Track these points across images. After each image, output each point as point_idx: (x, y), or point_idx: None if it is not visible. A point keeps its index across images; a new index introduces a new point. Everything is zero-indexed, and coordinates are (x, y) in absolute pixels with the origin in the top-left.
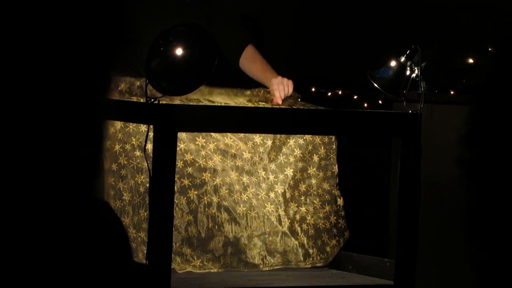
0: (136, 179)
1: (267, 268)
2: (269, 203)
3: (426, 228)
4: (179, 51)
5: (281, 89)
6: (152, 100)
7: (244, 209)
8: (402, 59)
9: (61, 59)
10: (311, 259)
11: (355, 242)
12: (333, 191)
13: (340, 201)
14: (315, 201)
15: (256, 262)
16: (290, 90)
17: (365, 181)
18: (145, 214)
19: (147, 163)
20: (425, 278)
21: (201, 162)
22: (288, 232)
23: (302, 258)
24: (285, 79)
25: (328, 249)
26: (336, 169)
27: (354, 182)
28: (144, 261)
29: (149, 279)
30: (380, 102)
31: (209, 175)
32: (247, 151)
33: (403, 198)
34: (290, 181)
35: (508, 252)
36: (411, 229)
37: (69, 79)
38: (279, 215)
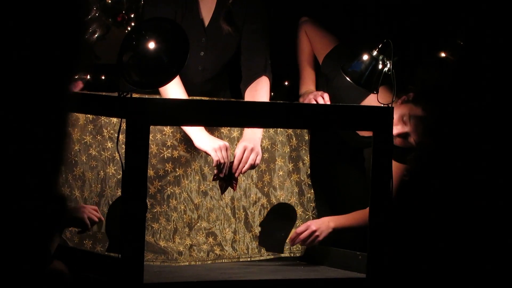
0: (107, 170)
1: (222, 261)
2: (226, 194)
3: (398, 221)
4: (151, 45)
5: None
6: (124, 93)
7: (200, 200)
8: (375, 53)
9: (21, 54)
10: (266, 251)
11: (328, 236)
12: (302, 183)
13: (311, 193)
14: (279, 193)
15: (211, 254)
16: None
17: (341, 173)
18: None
19: (119, 156)
20: (397, 271)
21: (165, 152)
22: (242, 224)
23: (256, 250)
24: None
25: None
26: (308, 160)
27: (327, 174)
28: (112, 252)
29: (122, 273)
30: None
31: (172, 166)
32: None
33: (375, 191)
34: (253, 173)
35: (478, 245)
36: (383, 222)
37: (27, 74)
38: (234, 207)
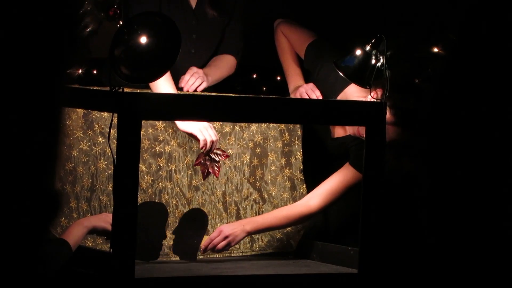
0: (98, 165)
1: (213, 256)
2: (218, 189)
3: (390, 217)
4: (143, 39)
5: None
6: (116, 88)
7: (192, 194)
8: (368, 48)
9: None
10: (257, 246)
11: (320, 230)
12: (295, 178)
13: (303, 188)
14: (271, 188)
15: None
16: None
17: (331, 168)
18: (106, 200)
19: (111, 151)
20: (389, 266)
21: (157, 147)
22: (234, 219)
23: (248, 245)
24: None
25: (279, 235)
26: (301, 155)
27: (320, 169)
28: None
29: (113, 267)
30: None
31: (164, 160)
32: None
33: (367, 186)
34: (245, 168)
35: (469, 241)
36: (375, 218)
37: (21, 69)
38: (226, 202)
